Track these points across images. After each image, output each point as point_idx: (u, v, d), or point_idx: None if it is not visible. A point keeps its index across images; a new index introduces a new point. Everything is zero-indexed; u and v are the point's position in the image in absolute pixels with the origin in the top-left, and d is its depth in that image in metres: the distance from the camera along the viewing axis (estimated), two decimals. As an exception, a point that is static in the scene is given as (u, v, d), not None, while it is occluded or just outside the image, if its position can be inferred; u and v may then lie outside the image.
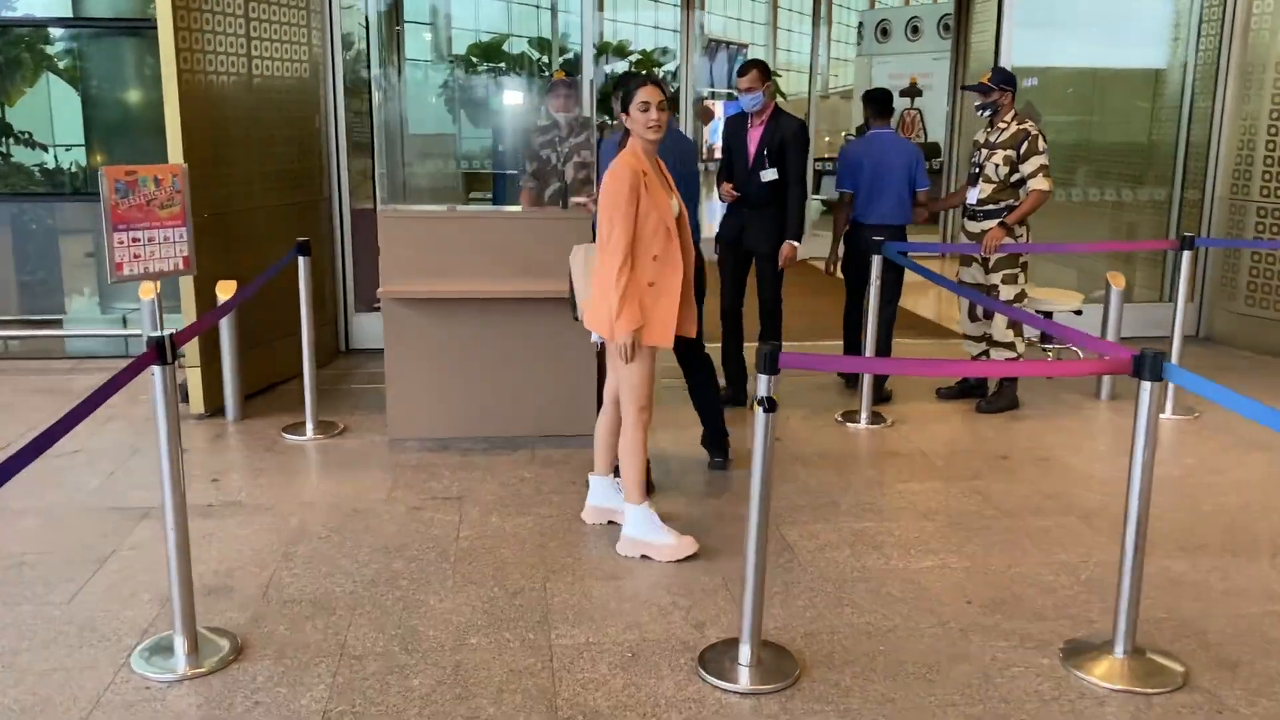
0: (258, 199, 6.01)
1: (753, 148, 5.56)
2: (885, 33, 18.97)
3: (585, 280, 4.25)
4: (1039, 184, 5.52)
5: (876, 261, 5.47)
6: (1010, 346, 5.76)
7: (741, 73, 5.53)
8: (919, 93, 17.42)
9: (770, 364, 2.83)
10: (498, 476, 4.67)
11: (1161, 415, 5.69)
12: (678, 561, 3.78)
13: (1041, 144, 5.54)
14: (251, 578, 3.68)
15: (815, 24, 13.02)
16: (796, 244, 5.50)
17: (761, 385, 2.87)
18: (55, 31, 7.27)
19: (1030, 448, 5.13)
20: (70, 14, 6.81)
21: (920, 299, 8.99)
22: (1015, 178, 5.58)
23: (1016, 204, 5.60)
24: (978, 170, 5.68)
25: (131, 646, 3.18)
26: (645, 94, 3.76)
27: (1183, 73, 7.62)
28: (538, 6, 21.02)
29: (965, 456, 5.00)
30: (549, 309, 4.96)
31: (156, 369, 2.97)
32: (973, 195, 5.71)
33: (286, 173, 6.26)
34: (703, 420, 4.81)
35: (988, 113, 5.64)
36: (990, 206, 5.65)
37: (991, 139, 5.65)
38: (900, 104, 17.84)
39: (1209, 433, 5.43)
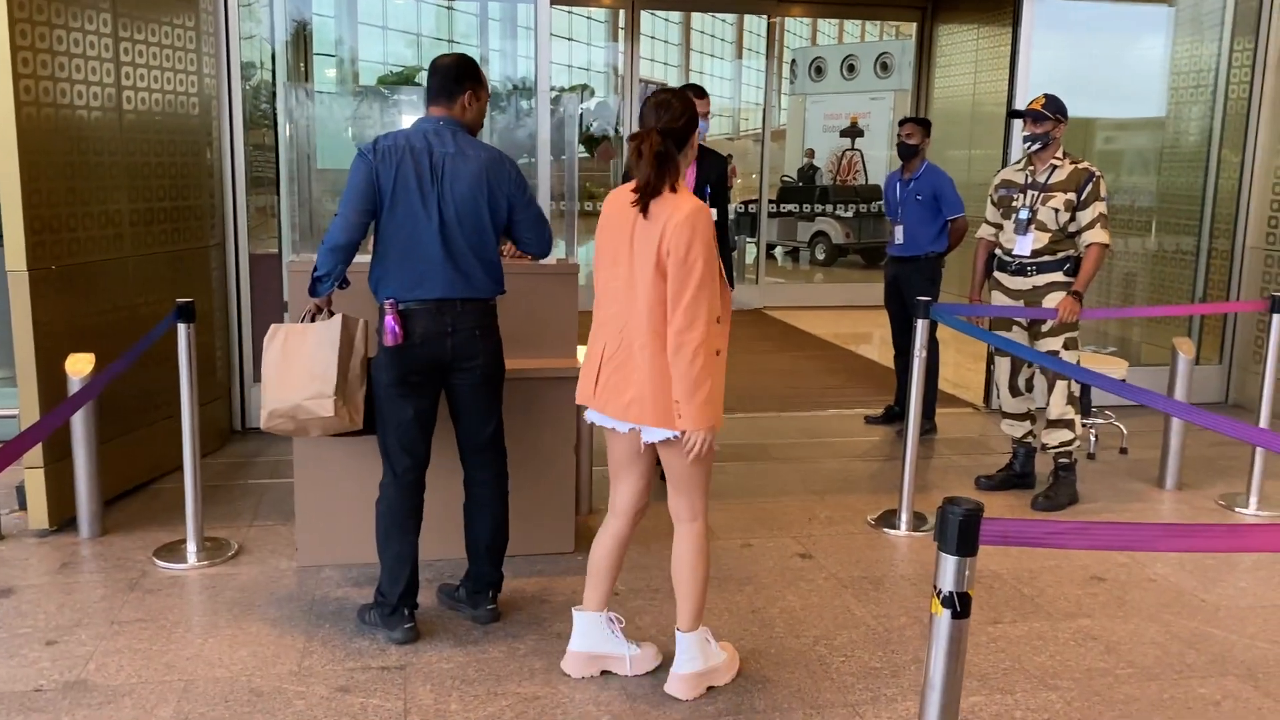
0: (127, 246, 4.69)
1: (690, 187, 4.51)
2: (820, 71, 18.31)
3: (282, 378, 3.21)
4: (1098, 236, 4.57)
5: (921, 327, 4.40)
6: (1069, 425, 4.76)
7: (697, 96, 4.54)
8: (860, 133, 16.74)
9: (967, 541, 1.70)
10: (452, 627, 3.43)
11: (1243, 512, 4.76)
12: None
13: (1103, 189, 4.59)
14: (89, 835, 2.38)
15: (769, 61, 12.07)
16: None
17: (947, 574, 1.73)
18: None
19: (1123, 563, 4.09)
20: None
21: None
22: (1074, 226, 4.62)
23: (1075, 255, 4.64)
24: (1028, 217, 4.68)
25: None
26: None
27: (1209, 122, 6.86)
28: (449, 41, 20.02)
29: (1052, 579, 3.93)
30: (514, 392, 3.78)
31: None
32: (1023, 246, 4.70)
33: (166, 213, 4.95)
34: (474, 553, 3.44)
35: (1036, 146, 4.67)
36: (1047, 258, 4.66)
37: (1041, 179, 4.67)
38: (839, 144, 17.15)
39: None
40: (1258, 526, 1.90)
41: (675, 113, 2.80)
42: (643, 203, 2.77)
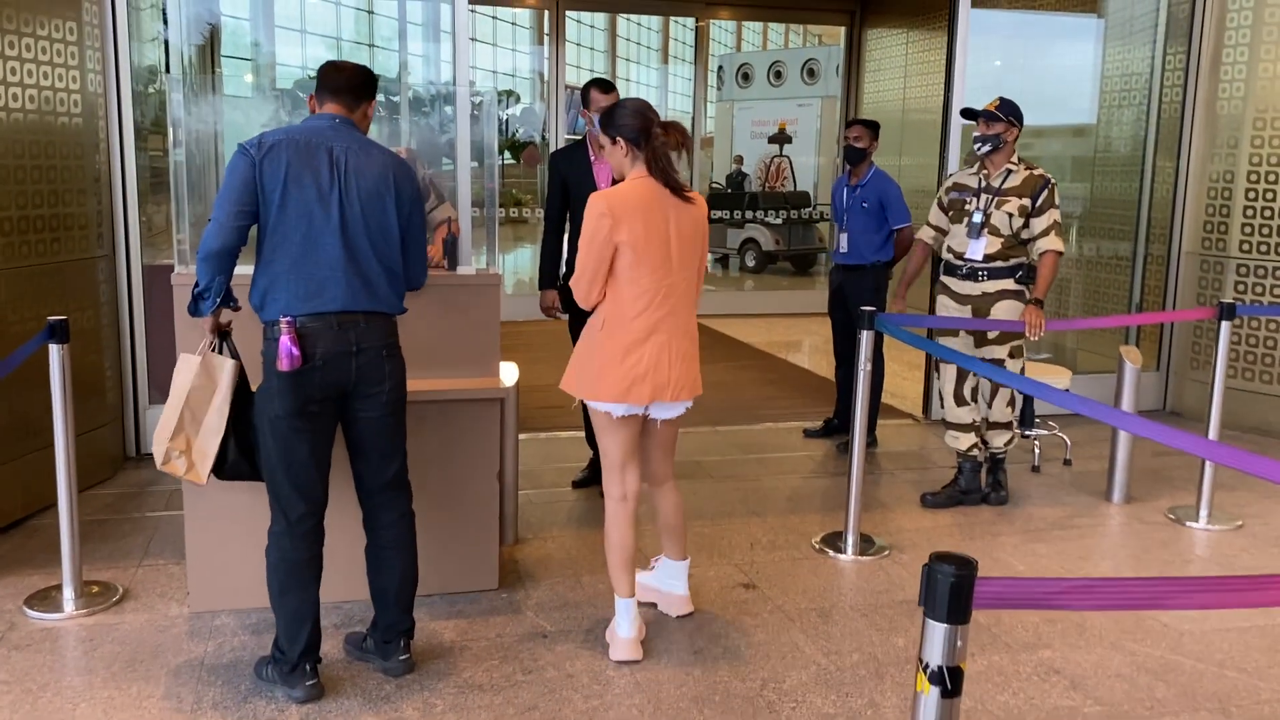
0: (-3, 257, 4.24)
1: (606, 186, 4.27)
2: (747, 77, 18.17)
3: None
4: (1053, 244, 4.47)
5: (866, 338, 4.17)
6: (1008, 426, 4.71)
7: (606, 89, 4.57)
8: (788, 139, 16.62)
9: (959, 607, 1.42)
10: (361, 681, 3.08)
11: (1194, 525, 4.61)
12: None
13: (1057, 197, 4.48)
14: None
15: (696, 68, 11.88)
16: None
17: (935, 645, 1.45)
18: None
19: (1079, 585, 3.89)
20: None
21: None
22: (1027, 233, 4.48)
23: (1027, 262, 4.51)
24: (981, 220, 4.51)
25: None
26: None
27: (1142, 128, 6.80)
28: (370, 45, 19.56)
29: (1008, 606, 3.70)
30: (431, 415, 3.44)
31: None
32: (975, 250, 4.53)
33: (44, 221, 4.50)
34: (381, 601, 3.08)
35: (987, 148, 4.51)
36: (999, 264, 4.51)
37: (996, 183, 4.52)
38: (768, 151, 17.02)
39: (1266, 548, 4.35)
40: None
41: (657, 115, 3.08)
42: (683, 193, 3.08)
